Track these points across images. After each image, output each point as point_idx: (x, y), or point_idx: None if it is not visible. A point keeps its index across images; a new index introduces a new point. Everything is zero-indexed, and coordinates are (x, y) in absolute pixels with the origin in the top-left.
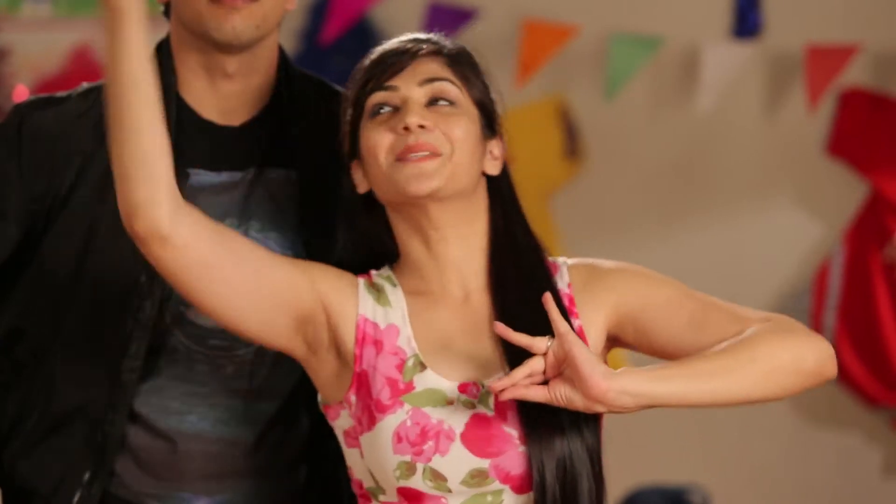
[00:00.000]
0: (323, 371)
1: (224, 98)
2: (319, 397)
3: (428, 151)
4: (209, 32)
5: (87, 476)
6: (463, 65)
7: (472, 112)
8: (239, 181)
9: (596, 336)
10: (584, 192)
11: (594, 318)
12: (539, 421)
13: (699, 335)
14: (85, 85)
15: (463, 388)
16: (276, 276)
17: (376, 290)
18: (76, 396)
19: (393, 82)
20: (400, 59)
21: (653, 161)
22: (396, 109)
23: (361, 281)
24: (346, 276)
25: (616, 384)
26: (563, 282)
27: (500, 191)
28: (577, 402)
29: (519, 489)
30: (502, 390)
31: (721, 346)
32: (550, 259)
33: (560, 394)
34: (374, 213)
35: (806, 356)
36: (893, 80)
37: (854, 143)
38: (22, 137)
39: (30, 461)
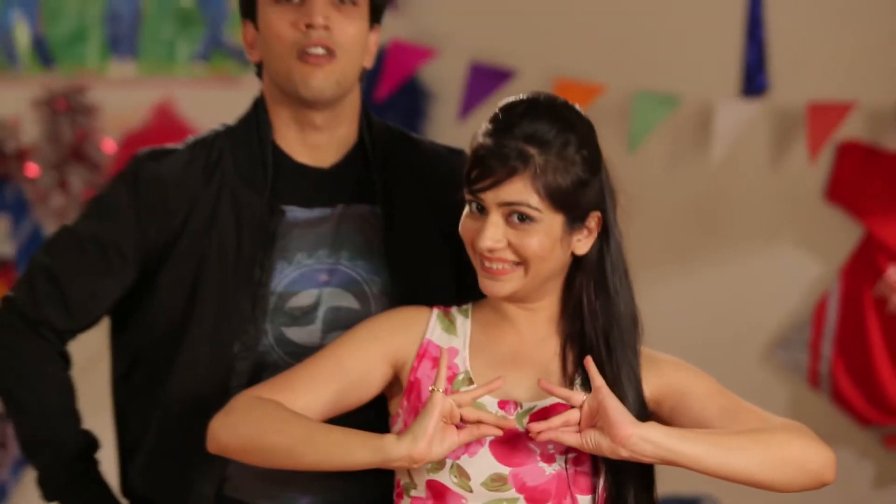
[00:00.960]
0: (390, 388)
1: (314, 146)
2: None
3: (503, 265)
4: (297, 90)
5: (203, 484)
6: (551, 171)
7: (552, 219)
8: (329, 216)
9: (636, 405)
10: None
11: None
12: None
13: (726, 425)
14: (191, 138)
15: (502, 405)
16: (361, 388)
17: (448, 321)
18: (190, 412)
19: (481, 195)
20: (491, 175)
21: (671, 205)
22: (480, 209)
23: (436, 312)
24: (417, 315)
25: (640, 431)
26: None
27: (586, 264)
28: (604, 446)
29: (533, 500)
30: (539, 432)
31: (744, 429)
32: None
33: (590, 439)
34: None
35: (813, 458)
36: (885, 134)
37: (850, 191)
38: (139, 184)
39: (151, 474)
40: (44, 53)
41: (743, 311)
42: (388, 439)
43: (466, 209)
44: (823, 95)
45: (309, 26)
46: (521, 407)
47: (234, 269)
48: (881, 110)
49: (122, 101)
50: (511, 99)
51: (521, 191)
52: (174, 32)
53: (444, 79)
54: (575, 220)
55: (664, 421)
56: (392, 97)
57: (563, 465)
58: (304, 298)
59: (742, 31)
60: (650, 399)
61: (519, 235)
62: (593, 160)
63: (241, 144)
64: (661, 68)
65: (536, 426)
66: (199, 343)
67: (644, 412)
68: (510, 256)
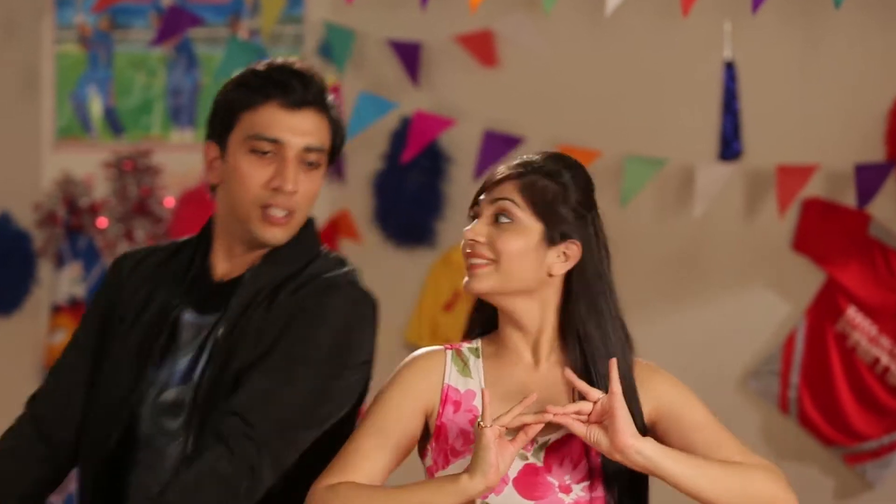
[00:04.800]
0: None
1: (235, 259)
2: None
3: (479, 259)
4: (252, 235)
5: None
6: (539, 185)
7: (533, 225)
8: (212, 322)
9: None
10: None
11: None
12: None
13: (709, 454)
14: (181, 240)
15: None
16: (407, 442)
17: (462, 362)
18: (84, 465)
19: (479, 198)
20: (488, 182)
21: (658, 253)
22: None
23: (450, 354)
24: (434, 359)
25: (637, 444)
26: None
27: (573, 284)
28: (602, 445)
29: (525, 495)
30: (555, 413)
31: (725, 461)
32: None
33: (593, 434)
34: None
35: (779, 498)
36: (843, 192)
37: (813, 241)
38: (107, 275)
39: None
40: (114, 123)
41: (721, 345)
42: (464, 480)
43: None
44: (790, 159)
45: (277, 190)
46: (537, 442)
47: (131, 358)
48: (840, 172)
49: (182, 164)
50: None
51: (508, 190)
52: None
53: (461, 144)
54: (554, 236)
55: (655, 437)
56: (416, 160)
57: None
58: (170, 394)
59: (719, 104)
60: (647, 417)
61: (498, 233)
62: (584, 197)
63: (183, 251)
64: (650, 136)
65: (554, 410)
66: (93, 412)
67: (642, 426)
68: (486, 252)
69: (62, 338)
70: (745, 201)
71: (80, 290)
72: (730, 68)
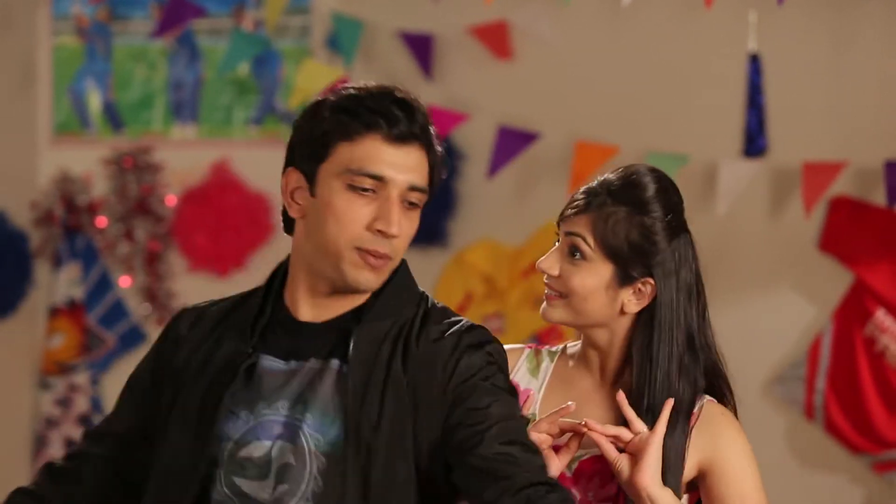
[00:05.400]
0: None
1: (319, 307)
2: None
3: (551, 291)
4: (343, 280)
5: None
6: (610, 223)
7: (603, 265)
8: (299, 369)
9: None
10: None
11: (690, 452)
12: None
13: None
14: (246, 291)
15: (556, 448)
16: None
17: (536, 362)
18: None
19: (559, 223)
20: (567, 208)
21: None
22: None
23: (528, 351)
24: (512, 354)
25: (653, 489)
26: (694, 407)
27: (643, 315)
28: (623, 476)
29: None
30: (591, 428)
31: None
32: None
33: (620, 462)
34: None
35: None
36: (872, 190)
37: (841, 242)
38: (161, 341)
39: None
40: (113, 118)
41: (745, 348)
42: None
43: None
44: (817, 156)
45: (379, 233)
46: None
47: (199, 411)
48: (869, 169)
49: (183, 161)
50: (626, 168)
51: (580, 224)
52: (231, 99)
53: (475, 140)
54: (626, 276)
55: (703, 486)
56: None
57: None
58: (254, 449)
59: (744, 99)
60: (697, 464)
61: (569, 269)
62: (666, 225)
63: (250, 299)
64: (671, 131)
65: (593, 424)
66: (157, 481)
67: (678, 475)
68: (558, 286)
69: (60, 342)
70: (770, 199)
71: (78, 292)
72: (755, 61)
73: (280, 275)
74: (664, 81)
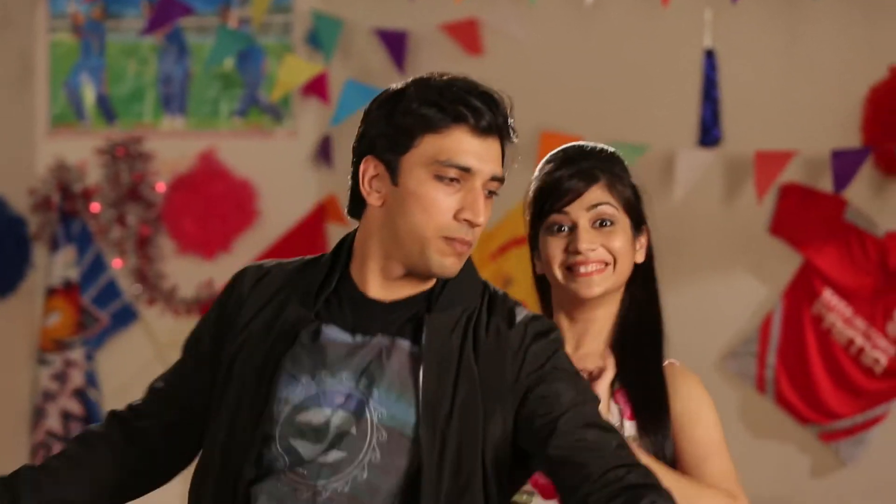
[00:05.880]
0: None
1: (389, 288)
2: None
3: (596, 265)
4: (427, 266)
5: None
6: (618, 183)
7: (625, 221)
8: (365, 343)
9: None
10: None
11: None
12: None
13: (690, 469)
14: (307, 257)
15: None
16: None
17: None
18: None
19: (567, 209)
20: (574, 188)
21: None
22: (570, 228)
23: None
24: None
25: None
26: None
27: (640, 273)
28: None
29: (546, 495)
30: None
31: (682, 476)
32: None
33: None
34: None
35: None
36: (820, 177)
37: (790, 226)
38: (225, 296)
39: None
40: (107, 110)
41: (701, 326)
42: None
43: (548, 237)
44: (768, 145)
45: (469, 223)
46: None
47: (259, 372)
48: (817, 158)
49: (173, 150)
50: (559, 148)
51: (601, 195)
52: (217, 92)
53: None
54: (636, 227)
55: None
56: None
57: None
58: (314, 415)
59: (699, 92)
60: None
61: (606, 237)
62: (636, 185)
63: (314, 270)
64: (632, 123)
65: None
66: (215, 439)
67: (665, 412)
68: (603, 256)
69: (56, 320)
70: (724, 186)
71: (73, 273)
72: (710, 57)
73: (346, 249)
74: (625, 76)
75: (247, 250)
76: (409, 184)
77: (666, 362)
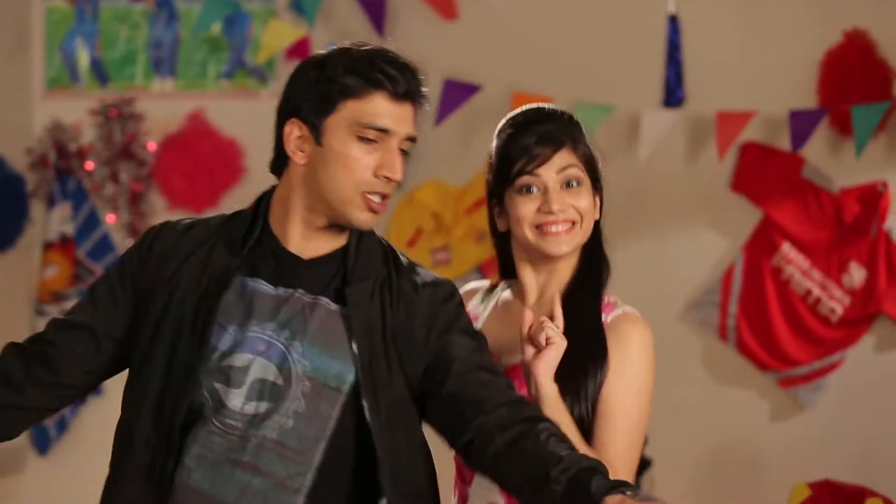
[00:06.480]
0: None
1: (308, 242)
2: None
3: (565, 225)
4: (348, 220)
5: None
6: (581, 146)
7: (587, 181)
8: (287, 297)
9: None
10: None
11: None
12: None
13: (594, 427)
14: (226, 214)
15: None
16: None
17: (490, 294)
18: (137, 445)
19: (538, 171)
20: (543, 152)
21: (606, 195)
22: (538, 189)
23: (486, 284)
24: (477, 288)
25: (541, 378)
26: (607, 318)
27: (595, 230)
28: (526, 355)
29: None
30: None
31: (575, 435)
32: (613, 301)
33: (526, 345)
34: (504, 241)
35: None
36: (779, 136)
37: (750, 182)
38: (142, 248)
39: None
40: (100, 73)
41: (665, 278)
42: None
43: (517, 197)
44: (729, 106)
45: (387, 178)
46: (500, 362)
47: (192, 322)
48: (776, 118)
49: (163, 111)
50: (515, 111)
51: (569, 157)
52: (205, 56)
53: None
54: (595, 184)
55: None
56: None
57: None
58: (236, 360)
59: (663, 55)
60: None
61: (574, 197)
62: (591, 145)
63: (237, 223)
64: (599, 84)
65: (529, 314)
66: (149, 381)
67: (602, 346)
68: (572, 215)
69: (53, 272)
70: (687, 145)
71: (69, 228)
72: (673, 21)
73: (265, 204)
74: (594, 40)
75: (233, 205)
76: (333, 144)
77: (621, 311)
